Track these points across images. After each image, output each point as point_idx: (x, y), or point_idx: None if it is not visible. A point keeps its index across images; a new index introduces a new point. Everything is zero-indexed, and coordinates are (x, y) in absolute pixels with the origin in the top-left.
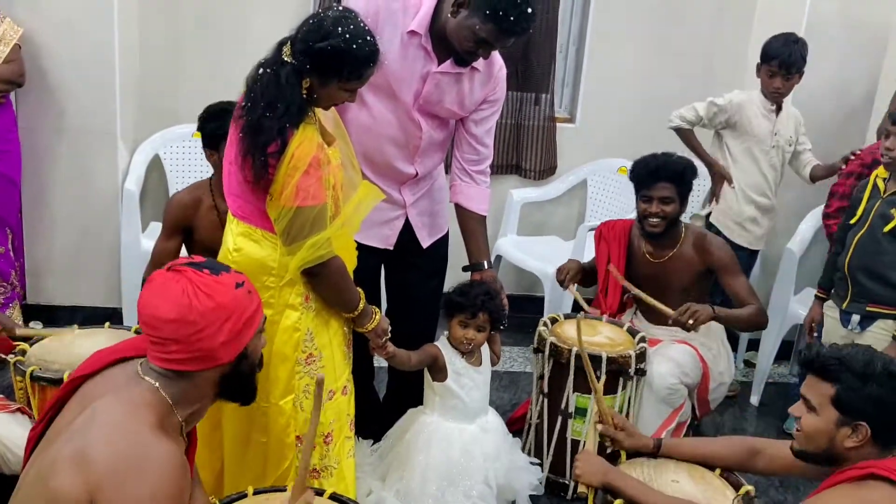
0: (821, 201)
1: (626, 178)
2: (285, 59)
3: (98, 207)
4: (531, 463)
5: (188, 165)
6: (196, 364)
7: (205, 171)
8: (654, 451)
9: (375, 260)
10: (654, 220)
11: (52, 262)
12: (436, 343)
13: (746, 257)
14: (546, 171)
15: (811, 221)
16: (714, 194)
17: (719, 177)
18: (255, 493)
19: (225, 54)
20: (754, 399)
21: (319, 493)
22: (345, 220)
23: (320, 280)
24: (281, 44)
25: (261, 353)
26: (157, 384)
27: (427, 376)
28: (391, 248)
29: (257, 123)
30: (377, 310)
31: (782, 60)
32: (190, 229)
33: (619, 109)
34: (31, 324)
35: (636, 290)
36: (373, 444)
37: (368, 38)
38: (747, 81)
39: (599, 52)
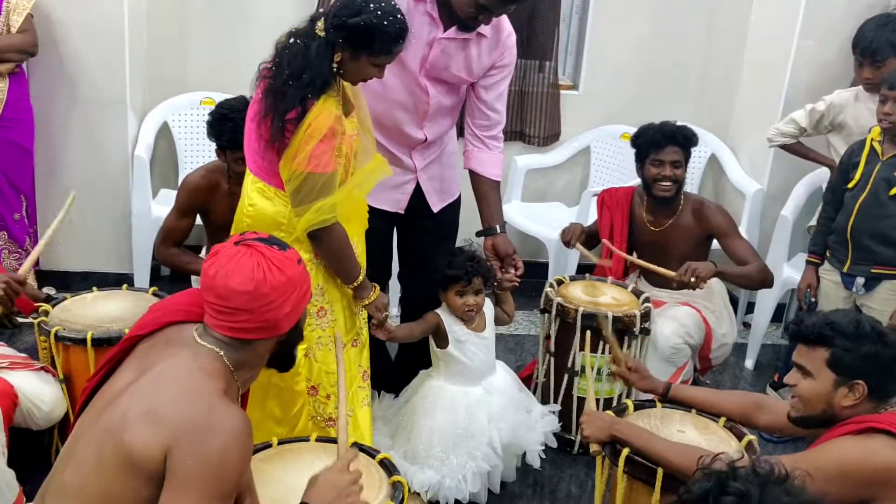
0: (811, 168)
1: (629, 145)
2: (318, 32)
3: (109, 175)
4: (550, 412)
5: (196, 132)
6: (261, 333)
7: None
8: (664, 394)
9: (387, 223)
10: (667, 184)
11: (64, 229)
12: (437, 311)
13: None
14: (550, 137)
15: (802, 188)
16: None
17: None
18: (280, 443)
19: (231, 22)
20: (749, 363)
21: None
22: (350, 190)
23: (322, 245)
24: (314, 18)
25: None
26: (221, 351)
27: (432, 342)
28: (402, 211)
29: (280, 90)
30: (376, 286)
31: (864, 47)
32: (206, 210)
33: (621, 77)
34: (45, 289)
35: (636, 261)
36: (394, 397)
37: (399, 15)
38: (747, 48)
39: (603, 19)
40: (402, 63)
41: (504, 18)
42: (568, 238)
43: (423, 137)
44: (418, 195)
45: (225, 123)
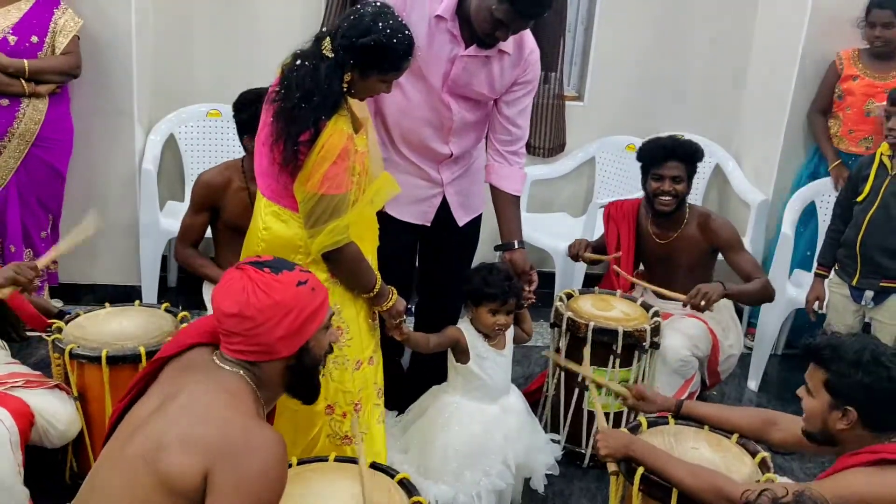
0: (800, 183)
1: (633, 156)
2: (325, 53)
3: (116, 187)
4: (552, 440)
5: (203, 144)
6: (257, 356)
7: (219, 149)
8: (676, 412)
9: (412, 236)
10: (667, 198)
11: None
12: (458, 326)
13: None
14: (555, 148)
15: (796, 203)
16: None
17: None
18: (299, 463)
19: (237, 33)
20: (752, 384)
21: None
22: (362, 208)
23: (336, 265)
24: (319, 38)
25: (327, 347)
26: (241, 371)
27: (451, 356)
28: (429, 224)
29: (291, 112)
30: (394, 290)
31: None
32: (217, 208)
33: (626, 87)
34: (53, 301)
35: (646, 285)
36: (397, 415)
37: (406, 31)
38: (752, 58)
39: (607, 30)
40: (424, 80)
41: (527, 35)
42: (575, 251)
43: (448, 152)
44: (444, 208)
45: (256, 103)
